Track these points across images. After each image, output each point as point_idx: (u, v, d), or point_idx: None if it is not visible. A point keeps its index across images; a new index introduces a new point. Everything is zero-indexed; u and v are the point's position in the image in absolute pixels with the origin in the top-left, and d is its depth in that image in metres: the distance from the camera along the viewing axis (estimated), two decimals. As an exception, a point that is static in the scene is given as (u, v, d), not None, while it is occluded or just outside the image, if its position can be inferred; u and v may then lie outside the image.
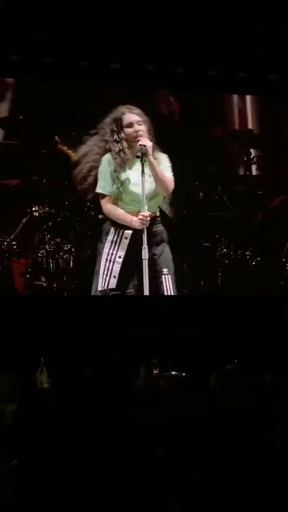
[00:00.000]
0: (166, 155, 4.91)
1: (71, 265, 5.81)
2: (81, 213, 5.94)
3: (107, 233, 4.89)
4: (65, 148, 6.20)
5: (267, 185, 6.55)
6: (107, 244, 4.87)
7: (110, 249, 4.87)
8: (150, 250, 4.75)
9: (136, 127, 4.74)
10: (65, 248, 5.83)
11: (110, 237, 4.88)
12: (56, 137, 6.13)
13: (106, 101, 5.62)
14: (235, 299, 5.91)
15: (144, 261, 4.65)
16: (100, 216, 5.89)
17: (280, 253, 6.25)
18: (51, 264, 5.78)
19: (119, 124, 4.77)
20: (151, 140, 4.75)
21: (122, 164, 4.78)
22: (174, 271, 4.98)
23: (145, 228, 4.68)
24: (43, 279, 5.81)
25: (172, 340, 5.08)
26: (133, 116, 4.77)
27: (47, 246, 5.80)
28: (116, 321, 5.23)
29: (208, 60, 6.10)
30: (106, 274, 4.87)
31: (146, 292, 4.70)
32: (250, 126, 6.61)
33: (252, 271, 6.11)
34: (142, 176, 4.63)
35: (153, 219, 4.86)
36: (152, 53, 6.00)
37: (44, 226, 5.88)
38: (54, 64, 5.88)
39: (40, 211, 5.87)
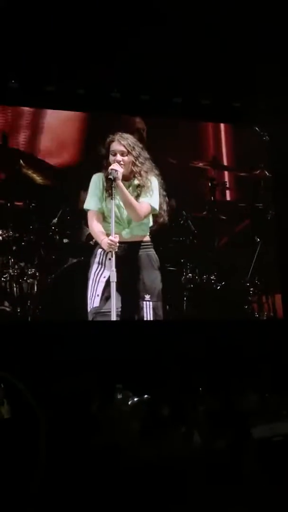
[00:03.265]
0: (156, 181, 5.04)
1: (35, 290, 5.77)
2: (45, 237, 5.91)
3: (95, 256, 5.02)
4: (30, 172, 6.19)
5: (231, 210, 6.62)
6: (94, 266, 5.03)
7: (96, 269, 5.03)
8: (135, 274, 4.88)
9: (118, 157, 4.92)
10: (29, 272, 5.79)
11: (97, 259, 5.06)
12: (21, 161, 6.12)
13: (75, 125, 5.66)
14: (200, 323, 5.92)
15: (112, 283, 4.70)
16: (65, 240, 5.88)
17: (244, 278, 6.31)
18: (15, 288, 5.72)
19: (108, 150, 5.00)
20: (132, 170, 4.90)
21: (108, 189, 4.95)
22: (161, 299, 5.07)
23: (113, 252, 4.78)
24: (6, 303, 5.75)
25: (137, 365, 5.06)
26: (119, 147, 4.99)
27: (11, 270, 5.75)
28: (81, 346, 5.19)
29: (172, 88, 6.19)
30: (92, 294, 4.98)
31: (114, 317, 4.71)
32: (214, 152, 6.70)
33: (217, 295, 6.14)
34: (112, 199, 4.75)
35: (138, 243, 5.01)
36: (117, 80, 6.07)
37: (8, 250, 5.83)
38: (18, 88, 5.91)
39: (4, 235, 5.83)
